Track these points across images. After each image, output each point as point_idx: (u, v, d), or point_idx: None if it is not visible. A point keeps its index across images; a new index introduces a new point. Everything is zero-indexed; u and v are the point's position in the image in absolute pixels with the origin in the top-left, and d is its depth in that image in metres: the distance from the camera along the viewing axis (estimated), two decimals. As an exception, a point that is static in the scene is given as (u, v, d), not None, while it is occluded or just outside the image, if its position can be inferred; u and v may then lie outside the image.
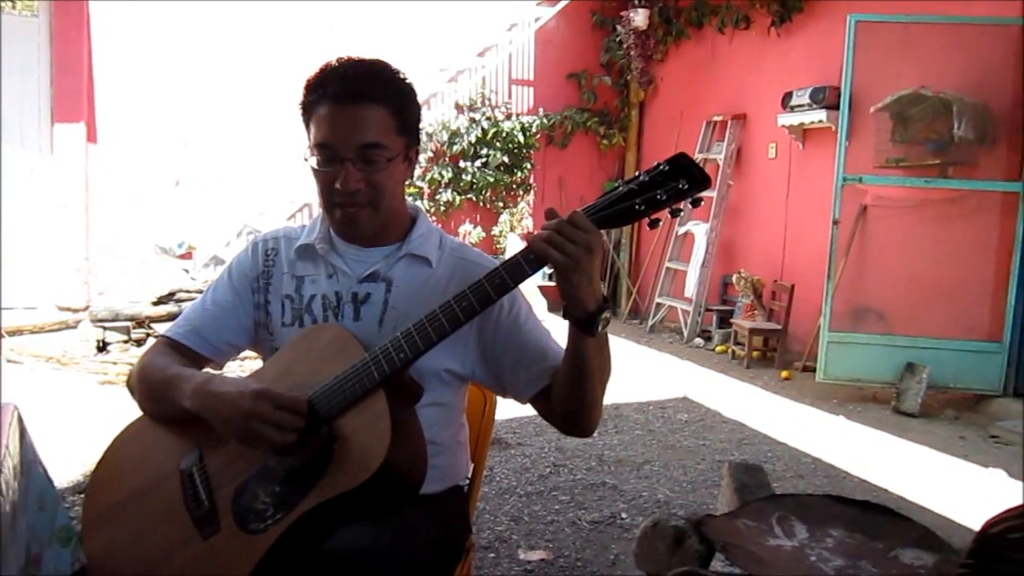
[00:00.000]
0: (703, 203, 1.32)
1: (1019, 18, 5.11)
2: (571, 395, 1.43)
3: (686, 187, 1.24)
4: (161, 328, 1.61)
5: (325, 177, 1.47)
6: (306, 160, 1.50)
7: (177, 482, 1.45)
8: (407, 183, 1.63)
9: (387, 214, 1.53)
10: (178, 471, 1.46)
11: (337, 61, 1.49)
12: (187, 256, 8.16)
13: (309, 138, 1.50)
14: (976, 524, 0.96)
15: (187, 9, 7.28)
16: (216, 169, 7.73)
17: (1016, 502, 0.96)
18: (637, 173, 1.28)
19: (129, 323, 6.07)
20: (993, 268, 5.34)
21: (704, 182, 1.25)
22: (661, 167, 1.25)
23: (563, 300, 1.32)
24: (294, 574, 1.32)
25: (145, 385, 1.55)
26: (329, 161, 1.46)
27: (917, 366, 5.27)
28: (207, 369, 1.60)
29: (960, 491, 3.87)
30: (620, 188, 1.27)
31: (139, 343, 5.96)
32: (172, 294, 6.49)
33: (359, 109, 1.43)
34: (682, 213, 1.30)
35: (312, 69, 1.50)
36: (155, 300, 6.38)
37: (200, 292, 1.67)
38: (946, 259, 5.42)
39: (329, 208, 1.52)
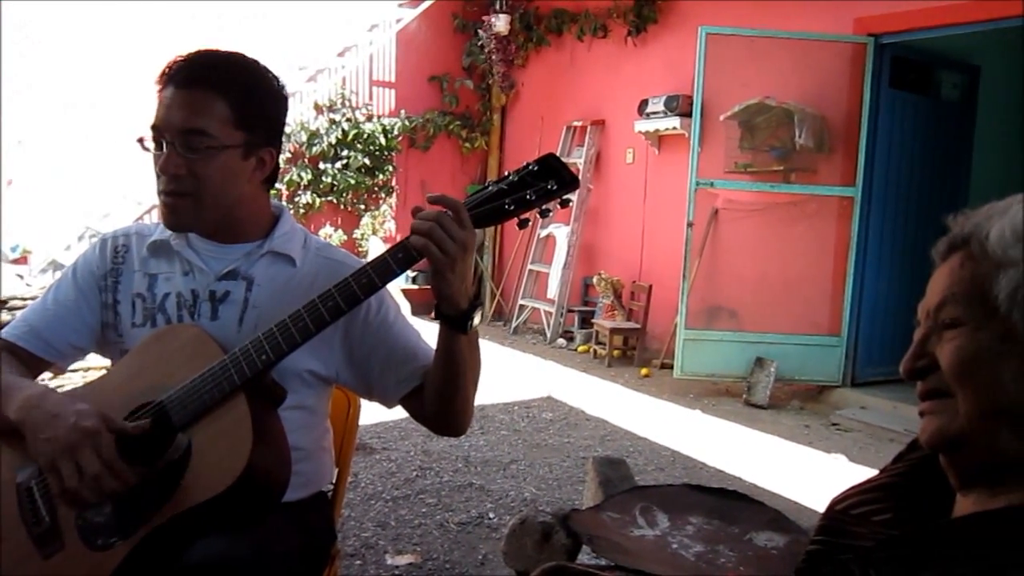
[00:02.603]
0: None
1: (851, 35, 5.48)
2: (444, 394, 1.42)
3: (555, 188, 1.25)
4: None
5: (154, 161, 1.41)
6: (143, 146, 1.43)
7: (13, 497, 1.33)
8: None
9: (220, 211, 1.45)
10: (14, 485, 1.34)
11: (196, 51, 1.43)
12: (21, 261, 7.61)
13: None
14: (822, 506, 1.01)
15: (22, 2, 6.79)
16: (55, 168, 7.23)
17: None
18: (507, 173, 1.28)
19: (-45, 333, 5.59)
20: (832, 267, 5.70)
21: (572, 183, 1.27)
22: (530, 167, 1.26)
23: (437, 298, 1.31)
24: None
25: None
26: (157, 144, 1.40)
27: (765, 360, 5.56)
28: (47, 374, 1.48)
29: (806, 476, 4.10)
30: (490, 188, 1.27)
31: (-33, 355, 5.49)
32: (4, 301, 6.00)
33: (191, 93, 1.38)
34: (551, 213, 1.31)
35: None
36: (-15, 308, 5.90)
37: (36, 299, 1.54)
38: (790, 259, 5.75)
39: (158, 195, 1.44)
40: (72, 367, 1.59)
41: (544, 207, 1.27)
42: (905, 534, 0.86)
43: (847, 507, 0.98)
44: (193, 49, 1.44)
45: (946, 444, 0.84)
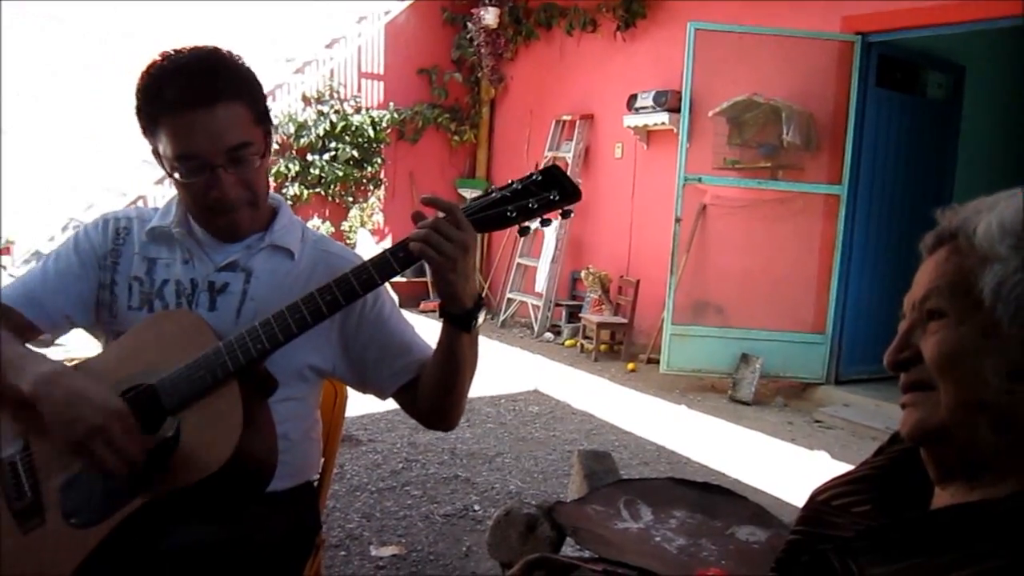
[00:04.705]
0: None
1: (839, 33, 5.50)
2: (442, 389, 1.44)
3: (557, 198, 1.27)
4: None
5: (195, 188, 1.39)
6: (170, 174, 1.40)
7: None
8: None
9: (263, 208, 1.48)
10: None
11: (166, 59, 1.37)
12: (5, 251, 7.55)
13: (159, 147, 1.39)
14: (803, 502, 1.03)
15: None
16: (37, 159, 7.18)
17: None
18: (511, 181, 1.29)
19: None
20: (817, 265, 5.73)
21: (575, 195, 1.28)
22: (534, 177, 1.27)
23: (440, 298, 1.33)
24: (128, 572, 1.24)
25: None
26: (197, 171, 1.37)
27: (751, 357, 5.58)
28: (29, 345, 1.45)
29: (789, 472, 4.13)
30: (494, 194, 1.28)
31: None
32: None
33: (215, 110, 1.34)
34: (551, 223, 1.33)
35: (143, 69, 1.38)
36: (-32, 297, 5.84)
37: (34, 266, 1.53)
38: (777, 256, 5.77)
39: (203, 213, 1.44)
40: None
41: (545, 216, 1.28)
42: (883, 525, 0.87)
43: (828, 498, 0.99)
44: (162, 59, 1.37)
45: (926, 436, 0.85)
